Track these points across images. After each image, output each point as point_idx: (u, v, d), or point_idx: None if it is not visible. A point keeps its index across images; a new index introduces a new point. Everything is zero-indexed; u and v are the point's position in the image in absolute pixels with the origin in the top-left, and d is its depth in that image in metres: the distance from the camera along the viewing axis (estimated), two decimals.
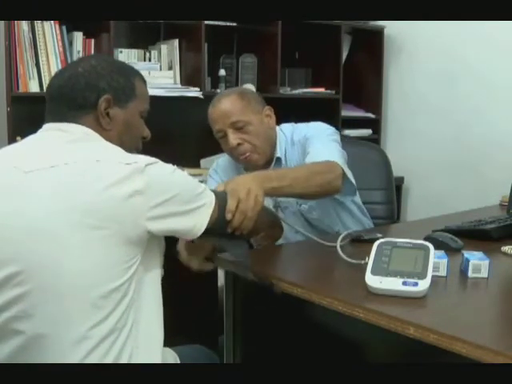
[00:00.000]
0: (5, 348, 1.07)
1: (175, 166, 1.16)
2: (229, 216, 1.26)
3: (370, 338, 1.14)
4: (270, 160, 1.83)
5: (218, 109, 1.76)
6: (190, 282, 2.44)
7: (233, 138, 1.74)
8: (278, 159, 1.83)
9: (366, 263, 1.19)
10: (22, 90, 2.42)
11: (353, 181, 1.71)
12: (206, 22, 2.76)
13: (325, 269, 1.38)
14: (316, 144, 1.73)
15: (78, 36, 2.56)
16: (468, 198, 2.75)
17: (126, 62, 2.46)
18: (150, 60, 2.82)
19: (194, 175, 1.88)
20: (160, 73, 2.80)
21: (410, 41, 3.37)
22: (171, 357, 1.28)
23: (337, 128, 1.87)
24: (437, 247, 1.28)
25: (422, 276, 1.13)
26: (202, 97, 2.77)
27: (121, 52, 2.73)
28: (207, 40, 2.82)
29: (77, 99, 1.17)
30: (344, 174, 1.63)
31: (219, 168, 1.92)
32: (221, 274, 1.58)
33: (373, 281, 1.14)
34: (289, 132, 1.87)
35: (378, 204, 2.13)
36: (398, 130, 3.49)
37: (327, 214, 1.85)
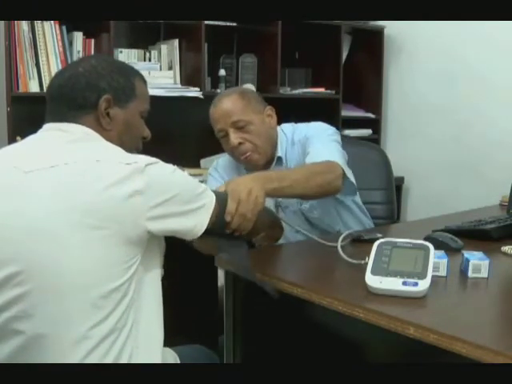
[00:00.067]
0: (5, 348, 1.07)
1: (175, 166, 1.16)
2: (228, 218, 1.26)
3: (369, 338, 1.14)
4: (271, 160, 1.83)
5: (219, 108, 1.77)
6: (190, 282, 2.45)
7: (234, 138, 1.74)
8: (279, 159, 1.84)
9: (366, 263, 1.19)
10: (22, 90, 2.41)
11: (353, 181, 1.71)
12: (206, 22, 2.76)
13: (325, 269, 1.38)
14: (316, 144, 1.73)
15: (78, 36, 2.56)
16: (468, 198, 2.75)
17: (126, 62, 2.46)
18: (150, 60, 2.82)
19: (193, 175, 1.88)
20: (160, 73, 2.80)
21: (410, 41, 3.37)
22: (171, 357, 1.28)
23: (337, 128, 1.88)
24: (437, 247, 1.28)
25: (422, 276, 1.13)
26: (202, 97, 2.77)
27: (121, 52, 2.73)
28: (207, 40, 2.82)
29: (77, 99, 1.17)
30: (344, 174, 1.63)
31: (220, 167, 1.92)
32: (221, 273, 1.58)
33: (373, 281, 1.14)
34: (289, 132, 1.87)
35: (377, 204, 2.13)
36: (398, 130, 3.49)
37: (328, 214, 1.86)
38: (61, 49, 2.50)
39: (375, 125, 3.44)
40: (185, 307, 2.23)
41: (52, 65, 2.47)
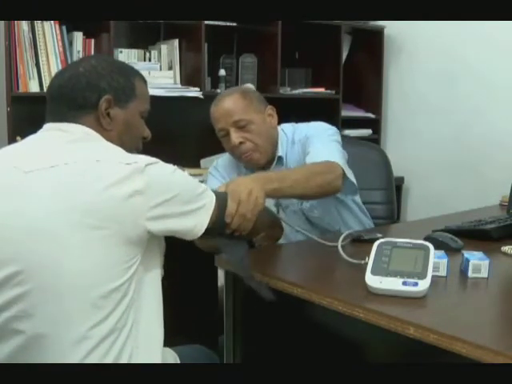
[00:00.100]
0: (5, 348, 1.07)
1: (175, 166, 1.16)
2: (228, 219, 1.26)
3: (369, 338, 1.14)
4: (272, 159, 1.83)
5: (220, 107, 1.77)
6: (190, 282, 2.45)
7: (235, 137, 1.74)
8: (280, 158, 1.84)
9: (366, 263, 1.19)
10: (22, 90, 2.41)
11: (353, 180, 1.71)
12: (206, 22, 2.76)
13: (325, 269, 1.38)
14: (316, 144, 1.73)
15: (78, 36, 2.56)
16: (468, 198, 2.75)
17: (126, 62, 2.46)
18: (150, 60, 2.82)
19: (194, 175, 1.88)
20: (160, 73, 2.80)
21: (410, 41, 3.37)
22: (171, 357, 1.28)
23: (337, 128, 1.87)
24: (437, 247, 1.28)
25: (422, 276, 1.13)
26: (202, 97, 2.77)
27: (121, 52, 2.73)
28: (207, 40, 2.82)
29: (77, 99, 1.17)
30: (344, 173, 1.63)
31: (220, 166, 1.92)
32: (221, 273, 1.58)
33: (373, 281, 1.14)
34: (290, 132, 1.87)
35: (378, 204, 2.13)
36: (398, 130, 3.49)
37: (328, 213, 1.86)
38: (61, 49, 2.50)
39: (375, 125, 3.44)
40: (185, 307, 2.23)
41: (52, 65, 2.47)
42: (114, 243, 1.05)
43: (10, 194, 1.06)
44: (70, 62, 2.48)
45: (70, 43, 2.55)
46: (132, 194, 1.05)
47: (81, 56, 2.54)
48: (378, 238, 1.28)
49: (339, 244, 1.35)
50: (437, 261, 1.23)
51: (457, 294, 1.22)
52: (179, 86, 2.81)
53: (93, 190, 1.04)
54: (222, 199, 1.25)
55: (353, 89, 3.38)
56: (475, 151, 3.06)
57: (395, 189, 2.22)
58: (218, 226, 1.24)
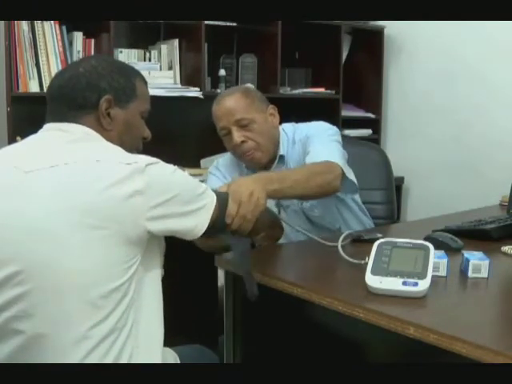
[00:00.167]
0: (5, 348, 1.07)
1: (176, 167, 1.16)
2: (229, 220, 1.26)
3: (370, 338, 1.14)
4: (273, 158, 1.84)
5: (222, 106, 1.77)
6: (190, 282, 2.45)
7: (237, 136, 1.74)
8: (281, 157, 1.84)
9: (366, 263, 1.19)
10: (22, 90, 2.41)
11: (354, 180, 1.72)
12: (206, 22, 2.76)
13: (325, 269, 1.38)
14: (316, 144, 1.73)
15: (78, 36, 2.56)
16: (468, 198, 2.75)
17: (126, 62, 2.46)
18: (150, 60, 2.82)
19: (194, 175, 1.88)
20: (160, 73, 2.80)
21: (410, 41, 3.37)
22: (171, 357, 1.28)
23: (337, 128, 1.87)
24: (437, 247, 1.28)
25: (422, 276, 1.13)
26: (202, 97, 2.77)
27: (121, 52, 2.73)
28: (207, 40, 2.82)
29: (77, 99, 1.17)
30: (344, 173, 1.63)
31: (221, 166, 1.92)
32: (221, 273, 1.58)
33: (373, 281, 1.14)
34: (290, 131, 1.88)
35: (378, 204, 2.14)
36: (398, 130, 3.49)
37: (329, 212, 1.86)
38: (61, 49, 2.50)
39: (375, 125, 3.44)
40: (185, 307, 2.23)
41: (52, 65, 2.47)
42: (114, 243, 1.05)
43: (10, 193, 1.06)
44: (69, 62, 2.48)
45: (70, 43, 2.55)
46: (132, 193, 1.05)
47: (81, 56, 2.54)
48: (377, 238, 1.28)
49: (339, 244, 1.35)
50: (437, 261, 1.23)
51: (457, 294, 1.22)
52: (179, 85, 2.81)
53: (93, 190, 1.04)
54: (222, 199, 1.25)
55: (353, 89, 3.38)
56: (475, 151, 3.07)
57: (395, 189, 2.22)
58: (218, 226, 1.24)
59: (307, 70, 3.37)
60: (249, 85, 2.90)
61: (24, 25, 2.41)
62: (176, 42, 2.82)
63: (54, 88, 1.21)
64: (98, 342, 1.05)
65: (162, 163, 1.12)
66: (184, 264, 2.20)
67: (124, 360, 1.08)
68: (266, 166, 1.82)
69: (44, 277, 1.03)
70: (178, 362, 1.28)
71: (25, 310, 1.04)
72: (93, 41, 2.60)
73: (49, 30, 2.47)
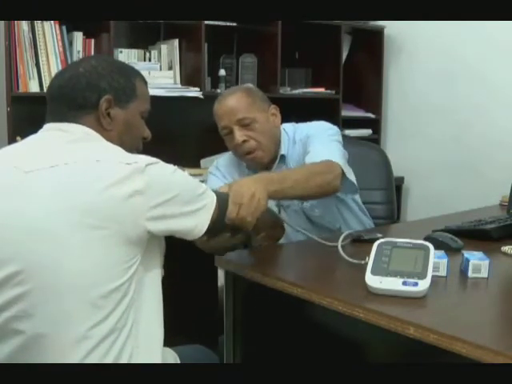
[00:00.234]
0: (5, 348, 1.07)
1: (176, 167, 1.16)
2: (229, 222, 1.26)
3: (370, 338, 1.14)
4: (274, 158, 1.84)
5: (224, 105, 1.77)
6: (190, 282, 2.45)
7: (239, 135, 1.74)
8: (283, 157, 1.84)
9: (366, 263, 1.19)
10: (22, 90, 2.41)
11: (354, 180, 1.72)
12: (206, 22, 2.76)
13: (325, 269, 1.38)
14: (316, 144, 1.73)
15: (78, 36, 2.56)
16: (468, 198, 2.75)
17: (126, 62, 2.46)
18: (150, 60, 2.82)
19: (194, 175, 1.88)
20: (160, 73, 2.80)
21: (410, 41, 3.37)
22: (171, 357, 1.28)
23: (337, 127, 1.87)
24: (437, 247, 1.28)
25: (422, 276, 1.13)
26: (201, 97, 2.77)
27: (121, 52, 2.73)
28: (207, 40, 2.82)
29: (77, 99, 1.17)
30: (344, 173, 1.63)
31: (221, 166, 1.92)
32: (221, 273, 1.58)
33: (373, 281, 1.14)
34: (291, 131, 1.88)
35: (378, 204, 2.14)
36: (398, 130, 3.49)
37: (329, 212, 1.86)
38: (61, 49, 2.50)
39: (375, 125, 3.44)
40: (185, 307, 2.23)
41: (52, 65, 2.47)
42: (113, 243, 1.05)
43: (10, 193, 1.06)
44: (69, 62, 2.48)
45: (70, 43, 2.55)
46: (132, 194, 1.05)
47: (81, 56, 2.54)
48: (377, 238, 1.28)
49: (339, 244, 1.35)
50: (437, 261, 1.23)
51: (457, 294, 1.22)
52: (179, 86, 2.81)
53: (93, 190, 1.04)
54: (222, 200, 1.25)
55: (353, 89, 3.38)
56: (475, 151, 3.07)
57: (395, 189, 2.22)
58: (217, 226, 1.24)
59: (307, 70, 3.37)
60: (249, 85, 2.91)
61: (24, 25, 2.41)
62: (176, 42, 2.82)
63: (54, 88, 1.21)
64: (98, 342, 1.05)
65: (161, 163, 1.12)
66: (184, 264, 2.20)
67: (124, 360, 1.08)
68: (267, 166, 1.83)
69: (44, 277, 1.03)
70: (178, 361, 1.28)
71: (25, 310, 1.04)
72: (93, 41, 2.60)
73: (49, 30, 2.47)
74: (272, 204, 1.75)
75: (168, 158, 1.16)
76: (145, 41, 2.89)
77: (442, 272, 1.25)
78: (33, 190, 1.05)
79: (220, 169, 1.91)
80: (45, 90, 2.38)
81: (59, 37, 2.49)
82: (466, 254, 1.29)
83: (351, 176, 1.70)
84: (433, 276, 1.14)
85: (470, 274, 1.25)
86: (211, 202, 1.21)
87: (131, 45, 2.83)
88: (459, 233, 1.54)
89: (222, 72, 2.96)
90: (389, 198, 2.17)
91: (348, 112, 3.36)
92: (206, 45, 2.83)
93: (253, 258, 1.48)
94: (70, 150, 1.11)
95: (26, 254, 1.03)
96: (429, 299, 1.12)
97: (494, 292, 1.23)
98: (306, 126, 1.86)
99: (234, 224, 1.27)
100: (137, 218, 1.06)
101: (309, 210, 1.84)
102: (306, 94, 3.21)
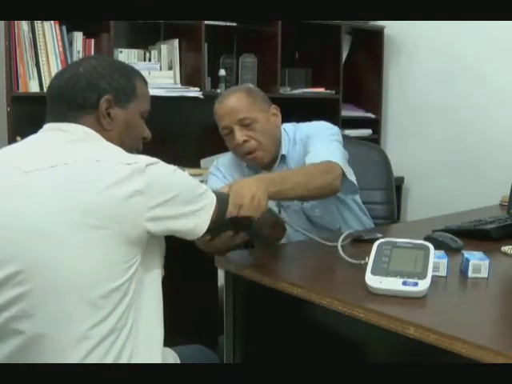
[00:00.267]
0: (5, 348, 1.07)
1: (176, 167, 1.15)
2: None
3: (370, 338, 1.14)
4: (275, 158, 1.83)
5: (224, 105, 1.77)
6: (190, 282, 2.45)
7: (239, 135, 1.74)
8: (283, 157, 1.84)
9: (366, 263, 1.19)
10: (22, 90, 2.41)
11: (354, 181, 1.71)
12: (206, 22, 2.76)
13: (325, 269, 1.38)
14: (316, 144, 1.73)
15: (78, 36, 2.56)
16: (468, 198, 2.75)
17: (126, 62, 2.46)
18: (150, 60, 2.82)
19: (194, 175, 1.88)
20: (160, 73, 2.80)
21: (410, 41, 3.37)
22: (171, 357, 1.28)
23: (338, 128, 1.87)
24: (437, 247, 1.28)
25: (422, 276, 1.13)
26: (201, 97, 2.77)
27: (121, 52, 2.73)
28: (207, 40, 2.82)
29: (77, 99, 1.17)
30: (344, 174, 1.63)
31: (221, 166, 1.92)
32: (221, 273, 1.58)
33: (373, 281, 1.14)
34: (291, 131, 1.88)
35: (378, 204, 2.14)
36: (398, 130, 3.49)
37: (329, 212, 1.86)
38: (61, 49, 2.50)
39: (375, 125, 3.44)
40: (185, 307, 2.23)
41: (52, 65, 2.47)
42: (113, 243, 1.05)
43: (10, 193, 1.06)
44: (69, 62, 2.48)
45: (70, 43, 2.55)
46: (132, 194, 1.05)
47: (81, 56, 2.54)
48: (378, 238, 1.28)
49: (339, 244, 1.35)
50: (437, 261, 1.23)
51: (457, 294, 1.22)
52: (179, 85, 2.81)
53: (93, 190, 1.04)
54: (222, 199, 1.25)
55: (353, 89, 3.38)
56: (475, 151, 3.07)
57: (395, 189, 2.23)
58: (218, 226, 1.24)
59: (307, 70, 3.37)
60: (249, 85, 2.91)
61: (24, 25, 2.41)
62: (176, 42, 2.82)
63: (54, 88, 1.21)
64: (97, 342, 1.05)
65: (161, 163, 1.12)
66: (184, 264, 2.20)
67: (124, 360, 1.08)
68: (268, 166, 1.82)
69: (44, 277, 1.03)
70: (178, 361, 1.28)
71: (25, 310, 1.04)
72: (93, 41, 2.60)
73: (49, 30, 2.47)
74: (272, 204, 1.75)
75: (168, 158, 1.16)
76: (145, 41, 2.89)
77: (442, 272, 1.25)
78: (33, 190, 1.05)
79: (220, 169, 1.91)
80: (45, 89, 2.38)
81: (59, 37, 2.49)
82: (466, 254, 1.29)
83: (351, 176, 1.70)
84: (433, 276, 1.14)
85: (470, 273, 1.25)
86: (211, 202, 1.21)
87: (131, 45, 2.83)
88: (459, 233, 1.55)
89: (222, 72, 2.96)
90: (389, 198, 2.17)
91: (348, 112, 3.36)
92: (205, 45, 2.83)
93: (253, 258, 1.48)
94: (70, 150, 1.11)
95: (26, 254, 1.03)
96: (429, 299, 1.12)
97: (493, 292, 1.23)
98: (306, 125, 1.86)
99: (234, 223, 1.27)
100: (137, 218, 1.06)
101: (309, 210, 1.84)
102: (305, 94, 3.21)
